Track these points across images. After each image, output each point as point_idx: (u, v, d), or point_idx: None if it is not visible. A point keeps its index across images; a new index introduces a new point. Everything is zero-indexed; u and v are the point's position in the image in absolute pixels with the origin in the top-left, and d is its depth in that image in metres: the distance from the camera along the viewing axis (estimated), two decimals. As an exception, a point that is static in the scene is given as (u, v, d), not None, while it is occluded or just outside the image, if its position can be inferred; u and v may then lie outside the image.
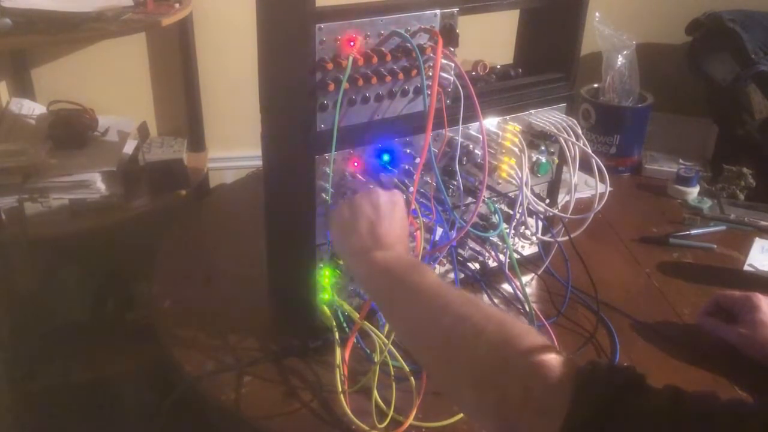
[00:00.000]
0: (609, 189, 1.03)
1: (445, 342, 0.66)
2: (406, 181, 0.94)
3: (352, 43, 0.85)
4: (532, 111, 1.05)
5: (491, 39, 1.31)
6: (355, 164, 0.91)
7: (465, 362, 0.63)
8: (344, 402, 0.86)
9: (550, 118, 1.05)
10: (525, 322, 0.66)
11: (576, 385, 0.54)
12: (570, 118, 1.06)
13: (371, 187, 0.88)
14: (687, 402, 0.51)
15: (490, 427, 0.61)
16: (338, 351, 0.91)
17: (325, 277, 0.95)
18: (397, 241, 0.82)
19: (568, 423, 0.52)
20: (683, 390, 0.53)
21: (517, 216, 1.04)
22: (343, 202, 0.86)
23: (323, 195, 0.90)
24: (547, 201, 1.08)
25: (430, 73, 0.91)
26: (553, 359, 0.57)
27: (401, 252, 0.80)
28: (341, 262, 0.96)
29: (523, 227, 1.08)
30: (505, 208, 1.06)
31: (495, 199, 1.05)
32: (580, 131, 1.03)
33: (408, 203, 0.89)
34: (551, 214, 1.08)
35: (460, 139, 0.96)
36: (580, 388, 0.53)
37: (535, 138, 1.05)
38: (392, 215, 0.83)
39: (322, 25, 0.82)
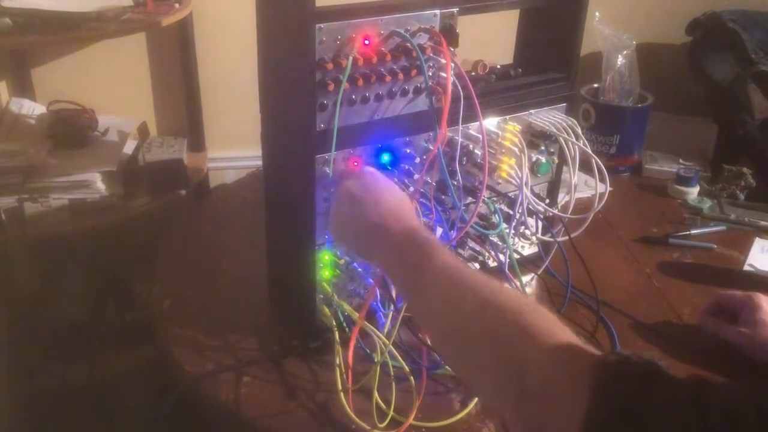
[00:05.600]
0: (609, 189, 1.03)
1: (464, 333, 0.65)
2: (406, 180, 0.94)
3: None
4: (532, 111, 1.05)
5: (491, 39, 1.31)
6: (355, 164, 0.91)
7: (482, 358, 0.62)
8: (345, 401, 0.86)
9: (550, 118, 1.05)
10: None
11: (597, 379, 0.52)
12: (570, 118, 1.06)
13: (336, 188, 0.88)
14: (711, 396, 0.49)
15: (512, 419, 0.60)
16: (338, 351, 0.91)
17: (326, 278, 0.95)
18: (396, 219, 0.78)
19: (589, 418, 0.51)
20: (707, 381, 0.51)
21: (517, 216, 1.04)
22: (329, 219, 0.88)
23: (323, 195, 0.90)
24: (547, 201, 1.08)
25: (430, 73, 0.91)
26: (573, 350, 0.56)
27: (404, 234, 0.76)
28: (342, 262, 0.96)
29: (523, 227, 1.08)
30: (505, 208, 1.06)
31: (495, 199, 1.05)
32: (580, 131, 1.03)
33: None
34: (551, 214, 1.08)
35: (460, 139, 0.96)
36: (601, 381, 0.52)
37: (535, 138, 1.05)
38: (373, 195, 0.81)
39: (322, 25, 0.82)
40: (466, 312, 0.65)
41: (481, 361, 0.63)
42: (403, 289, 0.77)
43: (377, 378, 0.87)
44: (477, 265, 1.08)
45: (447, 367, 0.92)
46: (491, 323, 0.62)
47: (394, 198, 0.83)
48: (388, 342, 0.88)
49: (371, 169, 0.87)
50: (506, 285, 0.69)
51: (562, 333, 0.59)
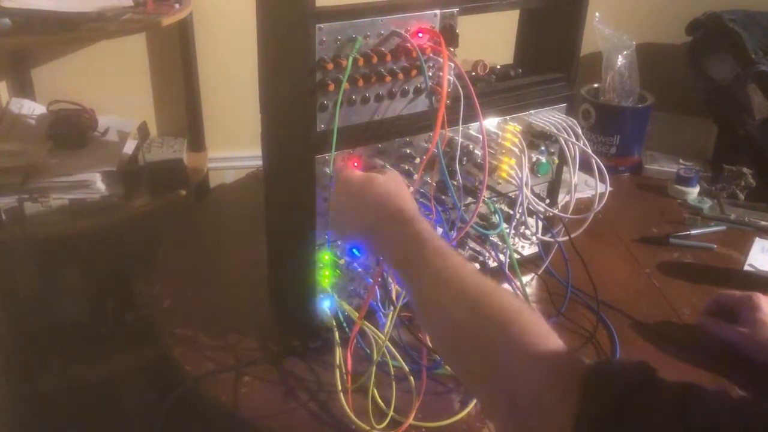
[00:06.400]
0: (609, 189, 1.03)
1: (455, 342, 0.65)
2: (407, 181, 0.94)
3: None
4: (532, 111, 1.05)
5: (491, 39, 1.31)
6: (355, 164, 0.91)
7: (475, 366, 0.63)
8: (345, 401, 0.86)
9: (550, 118, 1.05)
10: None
11: (585, 390, 0.53)
12: (570, 118, 1.06)
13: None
14: (695, 404, 0.50)
15: (505, 426, 0.60)
16: (338, 351, 0.91)
17: (326, 278, 0.95)
18: (385, 216, 0.78)
19: (577, 430, 0.51)
20: (695, 388, 0.52)
21: (517, 216, 1.04)
22: (331, 205, 0.88)
23: (323, 195, 0.90)
24: (547, 201, 1.08)
25: (430, 74, 0.91)
26: (561, 363, 0.56)
27: (392, 235, 0.76)
28: (342, 262, 0.96)
29: (523, 227, 1.08)
30: (505, 208, 1.06)
31: (495, 199, 1.05)
32: (580, 131, 1.03)
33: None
34: (551, 214, 1.08)
35: (460, 139, 0.96)
36: (587, 395, 0.53)
37: (535, 138, 1.05)
38: (355, 200, 0.82)
39: (322, 25, 0.82)
40: (456, 321, 0.65)
41: (473, 372, 0.63)
42: (403, 288, 0.78)
43: (374, 376, 0.87)
44: (477, 266, 1.08)
45: (446, 366, 0.92)
46: (480, 336, 0.62)
47: (374, 195, 0.81)
48: (384, 338, 0.88)
49: (346, 177, 0.85)
50: (496, 285, 0.68)
51: (550, 342, 0.59)
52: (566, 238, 1.09)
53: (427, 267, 0.70)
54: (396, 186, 0.82)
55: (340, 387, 0.87)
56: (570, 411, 0.52)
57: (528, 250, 1.16)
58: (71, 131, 1.56)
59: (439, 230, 0.96)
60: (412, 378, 0.90)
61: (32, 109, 1.63)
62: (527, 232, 1.09)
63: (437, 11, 0.90)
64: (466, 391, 0.89)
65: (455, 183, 0.97)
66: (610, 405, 0.51)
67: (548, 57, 1.09)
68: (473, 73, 1.04)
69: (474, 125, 0.98)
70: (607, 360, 0.56)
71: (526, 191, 1.02)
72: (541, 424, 0.55)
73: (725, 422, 0.49)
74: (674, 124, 1.66)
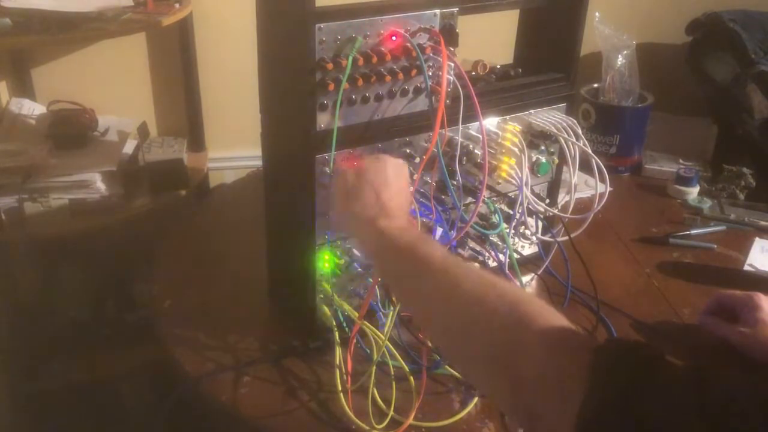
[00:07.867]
0: (609, 189, 1.03)
1: (456, 324, 0.64)
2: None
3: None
4: (532, 111, 1.05)
5: (491, 39, 1.31)
6: (355, 164, 0.91)
7: (478, 346, 0.61)
8: (345, 401, 0.86)
9: (550, 118, 1.05)
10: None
11: (593, 368, 0.51)
12: (570, 118, 1.06)
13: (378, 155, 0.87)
14: (710, 383, 0.49)
15: (508, 407, 0.58)
16: (338, 351, 0.91)
17: (326, 278, 0.95)
18: (401, 210, 0.79)
19: (585, 407, 0.50)
20: (706, 368, 0.50)
21: (517, 216, 1.04)
22: (347, 169, 0.84)
23: (323, 195, 0.90)
24: (547, 201, 1.08)
25: (430, 73, 0.91)
26: (568, 341, 0.55)
27: (404, 223, 0.78)
28: (342, 262, 0.96)
29: (523, 227, 1.08)
30: (505, 208, 1.06)
31: (495, 199, 1.05)
32: (580, 131, 1.03)
33: (411, 175, 0.89)
34: (551, 214, 1.08)
35: (460, 139, 0.96)
36: (598, 370, 0.51)
37: (535, 138, 1.05)
38: (396, 183, 0.81)
39: (322, 25, 0.82)
40: (462, 300, 0.64)
41: (477, 349, 0.62)
42: (395, 277, 0.76)
43: (373, 376, 0.87)
44: (477, 265, 1.08)
45: (447, 366, 0.92)
46: (488, 311, 0.61)
47: (407, 199, 0.82)
48: (384, 338, 0.88)
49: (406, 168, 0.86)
50: (492, 274, 0.68)
51: (559, 322, 0.58)
52: (566, 238, 1.09)
53: (433, 252, 0.70)
54: (394, 176, 0.82)
55: (340, 387, 0.87)
56: (578, 390, 0.50)
57: (528, 250, 1.16)
58: (71, 131, 1.56)
59: (439, 230, 0.97)
60: (412, 378, 0.90)
61: (32, 109, 1.63)
62: (527, 232, 1.09)
63: (437, 11, 0.90)
64: (465, 376, 0.87)
65: (455, 183, 0.96)
66: (621, 383, 0.49)
67: (548, 57, 1.09)
68: (473, 73, 1.04)
69: (474, 125, 0.98)
70: (615, 339, 0.54)
71: (526, 191, 1.02)
72: (546, 404, 0.53)
73: (742, 399, 0.47)
74: (674, 124, 1.67)
